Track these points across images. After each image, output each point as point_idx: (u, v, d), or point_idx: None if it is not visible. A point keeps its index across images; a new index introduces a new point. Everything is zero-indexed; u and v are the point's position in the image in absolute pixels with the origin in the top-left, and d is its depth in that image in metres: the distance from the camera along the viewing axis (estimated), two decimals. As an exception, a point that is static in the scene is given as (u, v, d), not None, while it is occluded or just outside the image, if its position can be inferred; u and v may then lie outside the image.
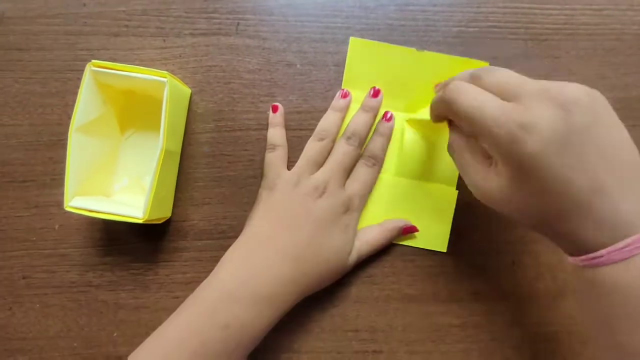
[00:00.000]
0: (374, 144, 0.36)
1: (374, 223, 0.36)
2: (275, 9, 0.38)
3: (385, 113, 0.36)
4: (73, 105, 0.32)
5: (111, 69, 0.33)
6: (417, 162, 0.36)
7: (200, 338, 0.29)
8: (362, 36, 0.37)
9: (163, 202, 0.35)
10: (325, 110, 0.37)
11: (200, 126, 0.38)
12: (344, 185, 0.35)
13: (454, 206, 0.36)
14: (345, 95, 0.36)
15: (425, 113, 0.33)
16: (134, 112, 0.37)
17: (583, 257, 0.24)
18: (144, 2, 0.38)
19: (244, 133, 0.37)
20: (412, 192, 0.36)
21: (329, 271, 0.33)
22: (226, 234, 0.37)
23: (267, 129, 0.37)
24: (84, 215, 0.32)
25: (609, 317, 0.24)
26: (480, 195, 0.27)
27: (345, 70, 0.37)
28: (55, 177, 0.37)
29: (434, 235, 0.36)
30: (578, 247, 0.24)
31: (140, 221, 0.32)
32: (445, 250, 0.36)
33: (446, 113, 0.28)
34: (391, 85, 0.37)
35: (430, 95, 0.34)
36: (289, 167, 0.35)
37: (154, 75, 0.33)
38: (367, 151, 0.36)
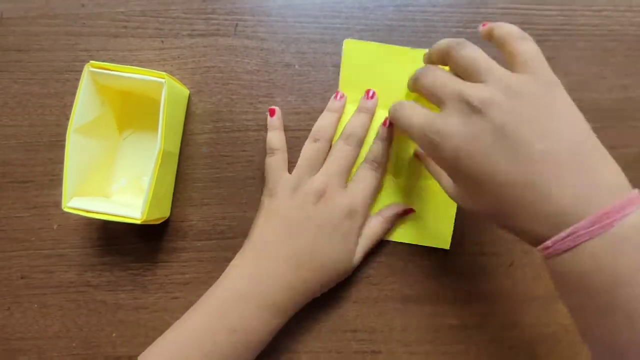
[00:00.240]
0: (376, 148, 0.35)
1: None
2: (273, 10, 0.38)
3: (386, 120, 0.36)
4: (72, 106, 0.32)
5: (109, 69, 0.33)
6: (416, 161, 0.36)
7: (213, 339, 0.30)
8: (361, 37, 0.37)
9: (161, 202, 0.35)
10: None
11: (199, 127, 0.38)
12: (344, 186, 0.34)
13: (456, 204, 0.36)
14: (340, 97, 0.36)
15: None
16: (132, 113, 0.37)
17: (537, 248, 0.24)
18: (142, 3, 0.38)
19: (243, 134, 0.37)
20: (415, 191, 0.36)
21: (331, 276, 0.33)
22: (225, 235, 0.37)
23: (265, 131, 0.37)
24: (82, 215, 0.32)
25: (579, 307, 0.24)
26: (450, 197, 0.29)
27: (341, 72, 0.37)
28: (54, 178, 0.37)
29: (437, 233, 0.36)
30: (531, 239, 0.24)
31: (139, 222, 0.32)
32: (448, 247, 0.36)
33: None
34: (388, 84, 0.36)
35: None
36: (290, 170, 0.35)
37: (152, 76, 0.33)
38: (369, 155, 0.35)
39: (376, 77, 0.37)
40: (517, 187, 0.24)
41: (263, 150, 0.37)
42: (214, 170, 0.37)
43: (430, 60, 0.31)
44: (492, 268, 0.36)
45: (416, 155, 0.35)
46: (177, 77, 0.37)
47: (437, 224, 0.36)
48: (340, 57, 0.38)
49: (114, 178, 0.37)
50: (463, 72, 0.27)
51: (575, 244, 0.22)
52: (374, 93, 0.36)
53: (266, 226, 0.33)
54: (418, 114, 0.28)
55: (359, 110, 0.36)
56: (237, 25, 0.38)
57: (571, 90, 0.25)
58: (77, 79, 0.33)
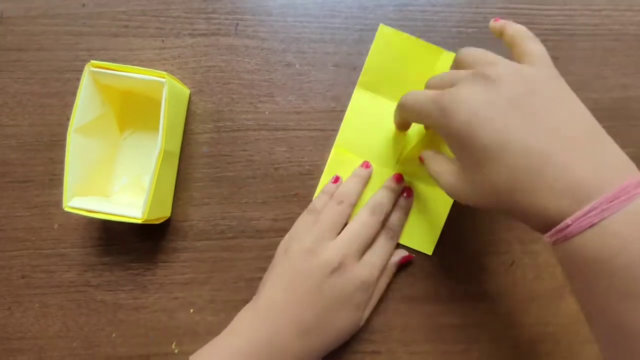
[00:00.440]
0: (396, 218, 0.35)
1: None
2: (274, 10, 0.38)
3: (406, 189, 0.36)
4: (72, 106, 0.32)
5: (110, 69, 0.33)
6: (414, 165, 0.36)
7: None
8: (361, 37, 0.37)
9: (162, 202, 0.35)
10: (324, 111, 0.37)
11: (199, 126, 0.38)
12: (360, 258, 0.33)
13: (447, 211, 0.36)
14: (367, 166, 0.36)
15: None
16: (133, 113, 0.37)
17: (552, 231, 0.22)
18: (143, 3, 0.38)
19: (243, 133, 0.37)
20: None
21: (338, 341, 0.33)
22: (225, 234, 0.37)
23: (265, 129, 0.37)
24: (83, 215, 0.32)
25: (595, 293, 0.22)
26: (448, 190, 0.28)
27: (368, 55, 0.36)
28: (54, 177, 0.37)
29: (423, 236, 0.36)
30: (545, 222, 0.23)
31: (139, 221, 0.32)
32: (430, 253, 0.36)
33: (402, 115, 0.31)
34: (412, 78, 0.36)
35: None
36: (291, 167, 0.35)
37: (153, 76, 0.33)
38: (389, 224, 0.35)
39: (402, 68, 0.36)
40: (535, 156, 0.22)
41: (263, 150, 0.37)
42: (214, 170, 0.37)
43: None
44: (492, 268, 0.36)
45: (420, 159, 0.35)
46: (177, 77, 0.37)
47: (425, 228, 0.36)
48: (340, 56, 0.38)
49: (114, 178, 0.37)
50: (474, 65, 0.27)
51: (597, 220, 0.20)
52: (400, 177, 0.36)
53: (277, 285, 0.32)
54: (424, 93, 0.28)
55: (387, 187, 0.35)
56: (237, 24, 0.38)
57: (571, 89, 0.25)
58: (78, 79, 0.33)
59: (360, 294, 0.33)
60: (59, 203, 0.33)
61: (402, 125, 0.34)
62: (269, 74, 0.38)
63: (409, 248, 0.36)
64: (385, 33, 0.36)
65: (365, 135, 0.37)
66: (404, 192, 0.36)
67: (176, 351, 0.36)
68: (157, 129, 0.32)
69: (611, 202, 0.20)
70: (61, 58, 0.38)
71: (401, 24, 0.38)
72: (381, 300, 0.36)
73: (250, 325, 0.31)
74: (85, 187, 0.34)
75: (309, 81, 0.38)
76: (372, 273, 0.33)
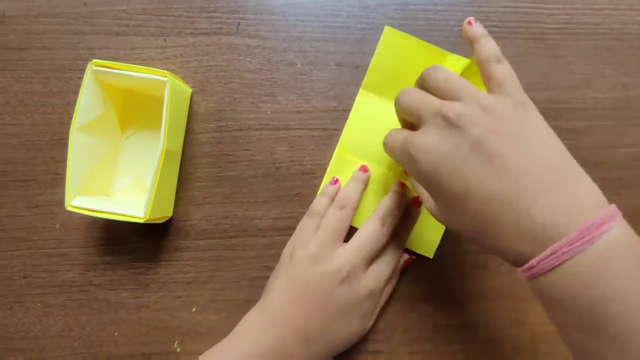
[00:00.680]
0: (405, 225, 0.35)
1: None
2: (276, 9, 0.38)
3: (416, 199, 0.35)
4: (74, 105, 0.32)
5: (112, 68, 0.33)
6: None
7: None
8: (363, 36, 0.37)
9: (164, 201, 0.35)
10: (325, 110, 0.37)
11: (201, 126, 0.38)
12: (368, 267, 0.33)
13: None
14: (365, 170, 0.36)
15: None
16: (135, 112, 0.37)
17: (520, 269, 0.23)
18: (144, 2, 0.38)
19: (245, 133, 0.37)
20: (411, 193, 0.36)
21: (343, 348, 0.33)
22: (227, 234, 0.37)
23: (267, 129, 0.37)
24: (85, 214, 0.32)
25: (560, 328, 0.24)
26: (433, 216, 0.28)
27: (373, 57, 0.36)
28: (56, 177, 0.37)
29: (424, 240, 0.36)
30: (514, 260, 0.24)
31: (141, 221, 0.32)
32: (431, 257, 0.36)
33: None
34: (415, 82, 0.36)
35: None
36: (294, 161, 0.35)
37: (155, 75, 0.33)
38: (397, 234, 0.35)
39: (406, 70, 0.36)
40: (496, 202, 0.23)
41: (265, 149, 0.37)
42: (216, 169, 0.37)
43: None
44: (493, 268, 0.36)
45: (400, 185, 0.35)
46: (179, 76, 0.37)
47: (426, 231, 0.36)
48: (342, 55, 0.38)
49: (116, 177, 0.37)
50: (440, 94, 0.27)
51: (559, 262, 0.21)
52: (403, 184, 0.35)
53: (283, 291, 0.32)
54: (399, 134, 0.28)
55: (394, 192, 0.35)
56: (239, 23, 0.38)
57: (572, 88, 0.25)
58: (79, 78, 0.33)
59: (368, 303, 0.33)
60: (61, 202, 0.33)
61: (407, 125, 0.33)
62: (271, 73, 0.38)
63: (410, 251, 0.36)
64: (390, 35, 0.35)
65: (368, 138, 0.37)
66: (414, 201, 0.35)
67: (178, 350, 0.36)
68: (159, 128, 0.32)
69: (571, 244, 0.21)
70: (63, 57, 0.38)
71: (403, 22, 0.38)
72: (383, 299, 0.36)
73: (256, 330, 0.31)
74: (87, 186, 0.34)
75: (311, 80, 0.38)
76: (379, 282, 0.33)
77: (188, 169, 0.37)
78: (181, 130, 0.37)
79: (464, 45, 0.37)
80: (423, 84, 0.29)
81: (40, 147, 0.38)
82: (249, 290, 0.36)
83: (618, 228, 0.21)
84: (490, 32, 0.30)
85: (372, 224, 0.33)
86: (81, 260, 0.37)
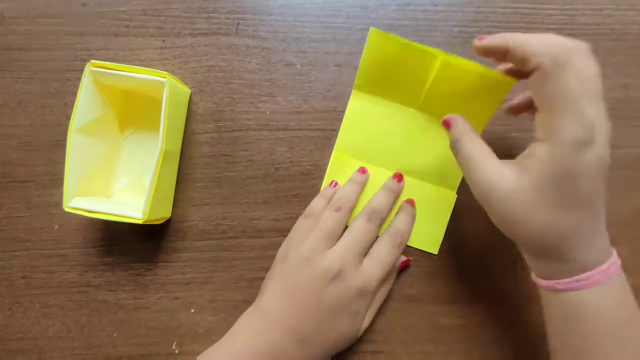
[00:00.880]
0: (402, 222, 0.35)
1: None
2: (275, 9, 0.38)
3: (410, 201, 0.36)
4: (73, 106, 0.32)
5: (111, 69, 0.33)
6: (422, 163, 0.36)
7: None
8: (362, 37, 0.37)
9: (163, 202, 0.35)
10: (325, 111, 0.37)
11: (200, 126, 0.38)
12: (360, 264, 0.33)
13: (451, 210, 0.36)
14: (363, 171, 0.36)
15: (438, 118, 0.32)
16: (134, 113, 0.37)
17: (546, 282, 0.27)
18: (143, 2, 0.38)
19: (244, 133, 0.37)
20: (412, 191, 0.36)
21: (336, 349, 0.33)
22: (226, 234, 0.37)
23: (266, 129, 0.37)
24: (83, 215, 0.32)
25: (568, 340, 0.27)
26: (486, 191, 0.26)
27: (361, 60, 0.35)
28: (54, 178, 0.37)
29: (427, 236, 0.36)
30: (545, 274, 0.27)
31: (140, 221, 0.32)
32: (436, 253, 0.36)
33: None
34: (407, 81, 0.35)
35: (445, 98, 0.34)
36: (295, 156, 0.35)
37: (154, 76, 0.33)
38: (393, 227, 0.35)
39: (397, 70, 0.35)
40: (601, 217, 0.26)
41: (264, 150, 0.37)
42: (215, 170, 0.37)
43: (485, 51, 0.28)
44: (493, 268, 0.36)
45: (446, 123, 0.31)
46: (178, 77, 0.37)
47: (429, 228, 0.36)
48: (342, 56, 0.37)
49: (115, 178, 0.37)
50: None
51: (578, 288, 0.25)
52: (401, 177, 0.36)
53: (276, 293, 0.32)
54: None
55: (386, 189, 0.35)
56: (238, 24, 0.38)
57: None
58: (78, 79, 0.33)
59: (359, 301, 0.33)
60: (59, 203, 0.33)
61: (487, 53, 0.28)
62: (270, 74, 0.38)
63: (414, 248, 0.36)
64: (376, 37, 0.34)
65: (365, 139, 0.37)
66: (410, 200, 0.36)
67: (177, 351, 0.36)
68: (157, 129, 0.32)
69: (588, 279, 0.25)
70: (62, 58, 0.38)
71: (403, 23, 0.38)
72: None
73: (251, 331, 0.31)
74: (85, 187, 0.34)
75: (310, 81, 0.38)
76: (371, 280, 0.33)
77: (187, 170, 0.37)
78: (180, 130, 0.37)
79: (463, 46, 0.37)
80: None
81: (39, 148, 0.37)
82: (248, 291, 0.36)
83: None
84: (490, 32, 0.30)
85: (358, 223, 0.34)
86: (80, 261, 0.37)
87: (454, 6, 0.38)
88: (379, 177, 0.36)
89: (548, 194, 0.24)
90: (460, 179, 0.36)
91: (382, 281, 0.34)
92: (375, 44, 0.34)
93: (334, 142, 0.37)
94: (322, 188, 0.37)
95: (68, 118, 0.32)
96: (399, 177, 0.36)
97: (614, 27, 0.38)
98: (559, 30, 0.38)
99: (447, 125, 0.31)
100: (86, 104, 0.33)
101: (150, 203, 0.31)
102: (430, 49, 0.33)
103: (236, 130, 0.37)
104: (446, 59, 0.32)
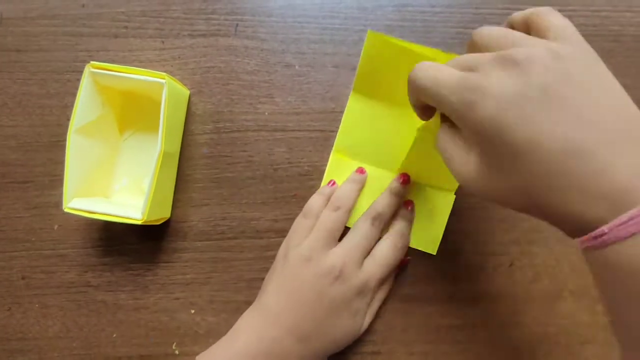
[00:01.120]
0: (404, 225, 0.35)
1: None
2: (274, 10, 0.38)
3: (408, 202, 0.36)
4: (72, 107, 0.32)
5: (110, 70, 0.33)
6: (422, 165, 0.36)
7: None
8: (361, 38, 0.37)
9: (162, 203, 0.35)
10: (323, 112, 0.37)
11: (199, 127, 0.38)
12: (361, 265, 0.33)
13: (449, 211, 0.36)
14: (362, 172, 0.36)
15: (437, 119, 0.32)
16: (133, 114, 0.37)
17: (585, 237, 0.20)
18: (142, 4, 0.38)
19: (243, 134, 0.37)
20: (411, 192, 0.36)
21: (337, 347, 0.33)
22: (225, 235, 0.37)
23: (264, 130, 0.37)
24: (83, 216, 0.32)
25: (628, 304, 0.20)
26: (463, 182, 0.25)
27: (359, 62, 0.35)
28: (54, 178, 0.37)
29: (426, 237, 0.36)
30: (579, 227, 0.20)
31: (139, 222, 0.32)
32: (434, 253, 0.36)
33: (413, 95, 0.27)
34: (406, 84, 0.34)
35: None
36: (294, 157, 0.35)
37: (153, 77, 0.33)
38: (395, 230, 0.35)
39: (395, 72, 0.34)
40: (568, 155, 0.20)
41: (263, 150, 0.37)
42: (214, 171, 0.37)
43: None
44: (491, 269, 0.36)
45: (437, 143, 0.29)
46: (177, 78, 0.37)
47: (428, 228, 0.36)
48: (340, 57, 0.38)
49: (114, 178, 0.37)
50: (496, 48, 0.23)
51: (638, 230, 0.18)
52: (408, 178, 0.35)
53: (276, 292, 0.32)
54: (446, 71, 0.24)
55: (391, 191, 0.35)
56: (237, 25, 0.38)
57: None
58: (77, 80, 0.33)
59: (359, 300, 0.33)
60: (59, 204, 0.33)
61: (421, 108, 0.28)
62: (269, 75, 0.38)
63: (412, 249, 0.36)
64: (373, 38, 0.34)
65: (363, 140, 0.37)
66: (406, 204, 0.36)
67: (177, 352, 0.36)
68: (157, 130, 0.32)
69: None
70: (60, 59, 0.38)
71: (400, 24, 0.38)
72: (381, 300, 0.36)
73: (250, 331, 0.32)
74: (85, 188, 0.34)
75: (309, 82, 0.38)
76: (371, 279, 0.33)
77: (186, 171, 0.37)
78: (179, 131, 0.37)
79: (461, 47, 0.38)
80: (472, 47, 0.25)
81: (38, 149, 0.38)
82: (247, 291, 0.36)
83: None
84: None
85: (361, 226, 0.34)
86: (79, 262, 0.37)
87: (452, 7, 0.38)
88: (378, 178, 0.37)
89: (492, 164, 0.22)
90: None
91: (382, 280, 0.34)
92: (373, 46, 0.34)
93: (333, 143, 0.37)
94: (320, 188, 0.37)
95: (68, 119, 0.32)
96: (404, 178, 0.35)
97: (612, 29, 0.38)
98: (556, 32, 0.38)
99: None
100: (86, 105, 0.33)
101: (149, 204, 0.32)
102: (428, 49, 0.33)
103: (235, 131, 0.37)
104: (446, 57, 0.32)
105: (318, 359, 0.32)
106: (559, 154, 0.20)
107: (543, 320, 0.36)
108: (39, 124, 0.38)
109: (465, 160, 0.24)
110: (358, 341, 0.35)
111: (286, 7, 0.38)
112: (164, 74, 0.33)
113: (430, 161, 0.36)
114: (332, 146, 0.37)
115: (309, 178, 0.37)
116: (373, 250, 0.34)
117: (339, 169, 0.37)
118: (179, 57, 0.38)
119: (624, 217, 0.19)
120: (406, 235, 0.35)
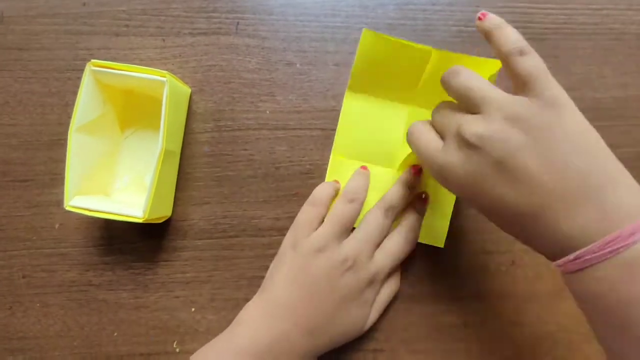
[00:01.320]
0: (415, 218, 0.35)
1: None
2: (274, 9, 0.38)
3: (424, 194, 0.36)
4: (73, 105, 0.32)
5: (111, 68, 0.33)
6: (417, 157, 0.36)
7: None
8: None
9: (163, 201, 0.35)
10: (324, 110, 0.37)
11: (200, 126, 0.38)
12: (372, 257, 0.33)
13: (453, 202, 0.36)
14: (365, 169, 0.36)
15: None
16: (134, 112, 0.37)
17: (553, 263, 0.25)
18: (143, 2, 0.38)
19: (244, 132, 0.37)
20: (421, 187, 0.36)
21: (344, 339, 0.33)
22: (226, 233, 0.37)
23: (266, 129, 0.37)
24: (84, 214, 0.32)
25: (588, 318, 0.25)
26: (437, 170, 0.27)
27: (355, 61, 0.34)
28: (55, 177, 0.37)
29: (432, 230, 0.36)
30: (548, 256, 0.25)
31: (140, 220, 0.32)
32: (442, 246, 0.36)
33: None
34: (401, 80, 0.35)
35: (439, 92, 0.34)
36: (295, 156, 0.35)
37: (154, 75, 0.33)
38: (407, 223, 0.35)
39: (390, 70, 0.35)
40: (526, 218, 0.24)
41: (264, 149, 0.37)
42: (215, 169, 0.37)
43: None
44: (493, 267, 0.36)
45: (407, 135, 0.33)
46: (178, 76, 0.37)
47: (433, 221, 0.36)
48: (341, 55, 0.38)
49: (115, 177, 0.37)
50: (462, 105, 0.27)
51: (584, 267, 0.22)
52: (420, 170, 0.35)
53: (286, 282, 0.32)
54: (427, 143, 0.28)
55: (402, 183, 0.35)
56: (238, 23, 0.38)
57: (571, 89, 0.25)
58: (78, 78, 0.33)
59: (369, 290, 0.33)
60: (60, 202, 0.33)
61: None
62: (270, 73, 0.38)
63: (420, 243, 0.36)
64: (369, 37, 0.34)
65: (361, 138, 0.37)
66: (420, 196, 0.36)
67: (177, 350, 0.36)
68: (158, 128, 0.32)
69: (594, 253, 0.22)
70: (61, 57, 0.38)
71: (402, 22, 0.38)
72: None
73: (256, 323, 0.31)
74: (86, 186, 0.34)
75: (310, 80, 0.38)
76: (381, 271, 0.33)
77: (187, 169, 0.37)
78: (180, 130, 0.37)
79: (461, 45, 0.38)
80: (446, 91, 0.28)
81: (39, 147, 0.38)
82: (248, 289, 0.36)
83: None
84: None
85: (374, 217, 0.34)
86: (80, 260, 0.37)
87: (453, 5, 0.38)
88: (379, 175, 0.37)
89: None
90: None
91: (389, 274, 0.35)
92: (369, 45, 0.34)
93: (334, 141, 0.37)
94: None
95: (68, 117, 0.32)
96: (416, 170, 0.35)
97: (613, 27, 0.38)
98: (557, 30, 0.38)
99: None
100: (87, 104, 0.33)
101: (150, 202, 0.31)
102: (422, 46, 0.33)
103: (236, 130, 0.37)
104: (442, 53, 0.32)
105: (319, 354, 0.32)
106: (519, 216, 0.24)
107: (545, 318, 0.36)
108: (40, 122, 0.38)
109: (436, 145, 0.28)
110: (361, 339, 0.35)
111: (287, 5, 0.38)
112: (165, 72, 0.33)
113: None
114: (331, 151, 0.37)
115: (310, 176, 0.37)
116: (384, 243, 0.34)
117: (340, 170, 0.37)
118: (180, 56, 0.38)
119: (571, 256, 0.23)
120: (417, 229, 0.35)
